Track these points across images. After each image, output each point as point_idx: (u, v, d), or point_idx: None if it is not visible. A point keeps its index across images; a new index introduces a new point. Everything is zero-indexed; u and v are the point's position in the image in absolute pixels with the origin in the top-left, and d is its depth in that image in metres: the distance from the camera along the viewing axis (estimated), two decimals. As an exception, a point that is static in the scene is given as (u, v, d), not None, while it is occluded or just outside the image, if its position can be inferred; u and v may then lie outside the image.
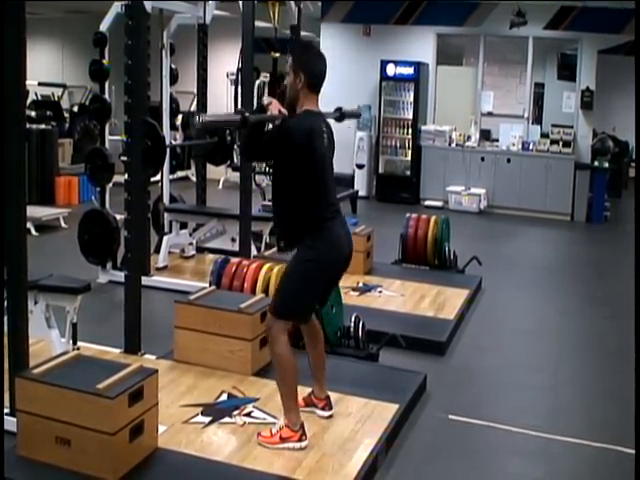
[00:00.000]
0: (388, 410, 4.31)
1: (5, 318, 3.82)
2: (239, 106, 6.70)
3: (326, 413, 4.19)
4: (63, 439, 3.45)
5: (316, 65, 3.85)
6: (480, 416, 4.56)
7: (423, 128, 12.55)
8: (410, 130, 12.47)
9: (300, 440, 3.81)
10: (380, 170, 12.78)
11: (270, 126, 3.84)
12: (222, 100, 13.11)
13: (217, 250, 7.77)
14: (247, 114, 3.66)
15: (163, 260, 7.46)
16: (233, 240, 7.50)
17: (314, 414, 4.17)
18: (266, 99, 3.82)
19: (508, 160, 12.05)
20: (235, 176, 11.93)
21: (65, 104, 15.37)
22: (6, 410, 3.85)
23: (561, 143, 11.84)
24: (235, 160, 10.13)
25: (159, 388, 3.78)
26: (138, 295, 5.04)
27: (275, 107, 3.74)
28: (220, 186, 13.18)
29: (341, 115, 4.65)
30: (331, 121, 4.15)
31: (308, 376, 4.16)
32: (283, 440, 3.80)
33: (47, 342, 4.64)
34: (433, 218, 7.83)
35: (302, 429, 3.84)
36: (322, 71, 3.86)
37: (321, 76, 3.86)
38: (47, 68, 15.86)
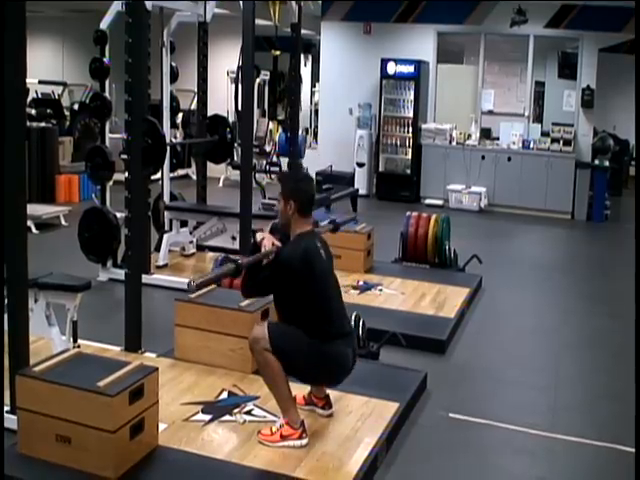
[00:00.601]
0: (388, 408, 4.31)
1: (5, 316, 3.83)
2: (239, 106, 6.71)
3: (326, 412, 4.19)
4: (63, 437, 3.45)
5: (305, 192, 3.97)
6: (480, 414, 4.56)
7: (423, 126, 12.54)
8: (410, 128, 12.46)
9: (300, 438, 3.82)
10: (380, 168, 12.77)
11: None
12: (222, 98, 13.09)
13: (217, 248, 7.76)
14: (240, 261, 3.80)
15: (163, 258, 7.46)
16: (233, 238, 7.49)
17: (314, 413, 4.17)
18: (259, 235, 3.95)
19: (509, 159, 12.05)
20: (235, 174, 11.94)
21: (65, 102, 15.35)
22: (6, 408, 3.85)
23: (562, 141, 11.83)
24: (235, 158, 10.16)
25: (159, 386, 3.78)
26: (138, 293, 5.04)
27: (268, 242, 3.86)
28: (220, 184, 13.18)
29: (335, 227, 4.78)
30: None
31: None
32: (283, 438, 3.80)
33: (47, 340, 4.64)
34: (433, 216, 7.83)
35: (302, 427, 3.84)
36: (311, 195, 4.00)
37: (310, 199, 3.99)
38: (47, 66, 15.84)
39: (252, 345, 3.85)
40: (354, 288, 6.74)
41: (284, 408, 3.86)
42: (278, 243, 3.88)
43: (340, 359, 3.90)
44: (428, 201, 12.31)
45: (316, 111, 14.97)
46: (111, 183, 7.15)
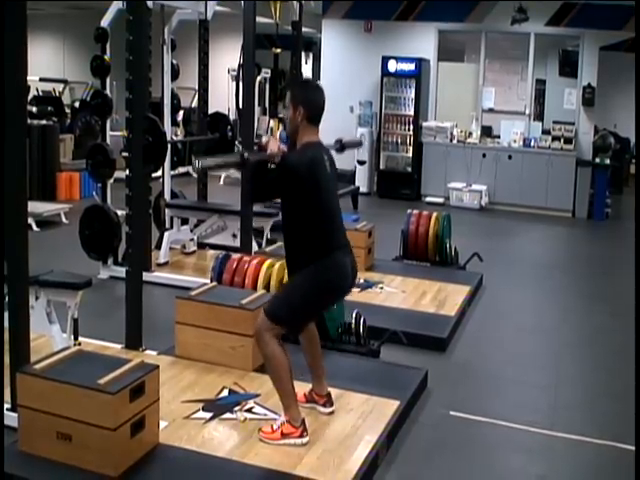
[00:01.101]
0: (389, 406, 4.31)
1: (6, 314, 3.83)
2: (240, 104, 6.71)
3: (327, 409, 4.19)
4: (64, 434, 3.45)
5: (315, 99, 3.90)
6: (481, 412, 4.56)
7: (424, 124, 12.54)
8: (411, 126, 12.47)
9: (301, 436, 3.81)
10: (381, 166, 12.78)
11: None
12: (223, 96, 13.09)
13: (218, 246, 7.77)
14: (246, 154, 3.73)
15: (164, 256, 7.46)
16: (234, 236, 7.50)
17: (315, 410, 4.17)
18: (265, 138, 3.88)
19: (509, 157, 12.05)
20: (236, 172, 11.93)
21: (66, 100, 15.38)
22: (7, 406, 3.86)
23: (562, 140, 11.83)
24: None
25: (160, 384, 3.77)
26: (139, 291, 5.04)
27: (274, 145, 3.80)
28: (221, 182, 13.18)
29: (341, 146, 4.75)
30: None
31: (308, 372, 4.17)
32: (284, 436, 3.80)
33: (48, 337, 4.64)
34: (434, 214, 7.83)
35: (303, 425, 3.84)
36: (321, 104, 3.92)
37: (320, 109, 3.92)
38: (48, 64, 15.87)
39: (257, 337, 3.82)
40: (355, 286, 6.73)
41: (286, 405, 3.85)
42: (284, 147, 3.83)
43: (339, 268, 3.87)
44: (429, 199, 12.31)
45: (317, 109, 14.95)
46: (112, 181, 7.15)
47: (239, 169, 3.89)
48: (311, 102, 3.86)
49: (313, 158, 3.79)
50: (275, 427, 3.84)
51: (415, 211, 7.96)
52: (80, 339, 4.79)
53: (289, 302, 3.82)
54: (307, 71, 15.83)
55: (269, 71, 11.97)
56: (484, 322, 6.41)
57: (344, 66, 12.98)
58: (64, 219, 9.60)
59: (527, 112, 12.53)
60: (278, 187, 3.81)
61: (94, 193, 7.40)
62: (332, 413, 4.18)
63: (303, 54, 10.20)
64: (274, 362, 3.79)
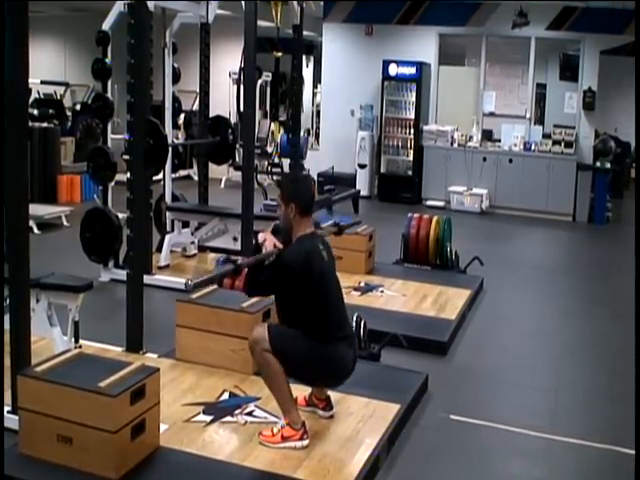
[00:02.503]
0: (389, 410, 4.31)
1: (7, 316, 3.83)
2: (241, 107, 6.71)
3: (327, 413, 4.19)
4: (65, 437, 3.45)
5: (305, 193, 3.99)
6: (481, 416, 4.56)
7: (425, 128, 12.54)
8: (412, 130, 12.47)
9: (302, 439, 3.82)
10: (382, 170, 12.78)
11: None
12: (224, 100, 13.09)
13: (219, 249, 7.77)
14: (239, 262, 3.81)
15: (165, 259, 7.47)
16: (235, 239, 7.50)
17: (315, 414, 4.17)
18: (261, 236, 3.94)
19: (510, 160, 12.04)
20: (237, 175, 11.95)
21: (67, 102, 15.37)
22: (8, 408, 3.86)
23: (563, 144, 11.83)
24: (237, 159, 10.17)
25: (161, 387, 3.78)
26: (140, 294, 5.04)
27: (270, 243, 3.86)
28: (222, 185, 13.18)
29: (339, 229, 4.79)
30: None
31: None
32: (284, 439, 3.81)
33: (49, 340, 4.65)
34: (435, 218, 7.83)
35: (303, 428, 3.84)
36: (311, 195, 4.04)
37: (311, 200, 4.01)
38: (49, 66, 15.84)
39: (252, 346, 3.86)
40: (355, 289, 6.74)
41: (285, 409, 3.86)
42: (280, 245, 3.88)
43: (341, 362, 3.90)
44: (429, 202, 12.31)
45: (318, 112, 14.99)
46: (113, 183, 7.16)
47: (234, 276, 3.96)
48: (302, 196, 3.95)
49: (309, 252, 3.84)
50: (275, 430, 3.84)
51: (416, 215, 7.97)
52: (81, 342, 4.79)
53: (292, 357, 3.80)
54: (308, 74, 15.84)
55: (270, 74, 11.97)
56: (485, 326, 6.42)
57: (345, 70, 12.99)
58: (65, 222, 9.61)
59: (528, 116, 12.53)
60: (274, 285, 3.88)
61: (95, 196, 7.40)
62: (332, 416, 4.19)
63: (304, 57, 10.22)
64: (268, 369, 3.81)
